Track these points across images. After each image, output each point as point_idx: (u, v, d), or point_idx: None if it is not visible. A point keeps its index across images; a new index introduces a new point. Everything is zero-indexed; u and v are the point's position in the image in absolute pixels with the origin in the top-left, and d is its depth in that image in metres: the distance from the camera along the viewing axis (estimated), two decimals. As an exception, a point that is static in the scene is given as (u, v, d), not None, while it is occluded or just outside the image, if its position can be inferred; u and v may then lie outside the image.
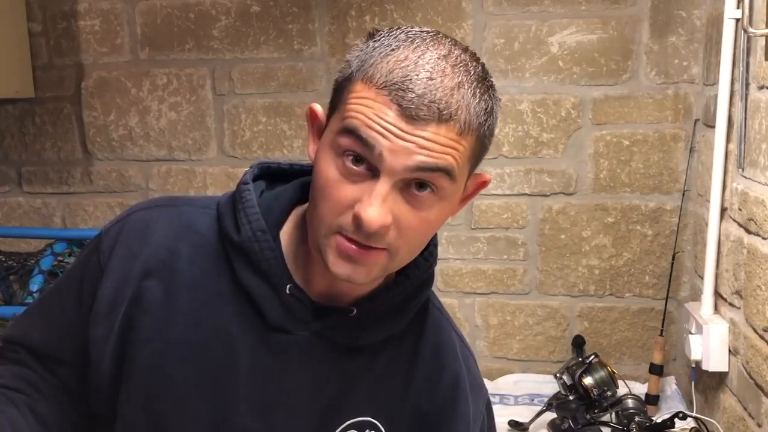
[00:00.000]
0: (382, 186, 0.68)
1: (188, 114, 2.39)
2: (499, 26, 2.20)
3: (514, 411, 2.06)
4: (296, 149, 2.34)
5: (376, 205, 0.68)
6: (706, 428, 1.81)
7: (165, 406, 0.77)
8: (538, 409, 2.00)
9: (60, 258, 2.29)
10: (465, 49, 0.73)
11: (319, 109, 0.77)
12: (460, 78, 0.69)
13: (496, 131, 2.62)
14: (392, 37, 0.71)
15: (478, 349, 2.33)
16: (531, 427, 1.97)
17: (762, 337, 1.46)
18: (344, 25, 2.26)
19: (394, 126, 0.67)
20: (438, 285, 2.30)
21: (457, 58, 0.70)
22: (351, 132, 0.68)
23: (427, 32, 0.72)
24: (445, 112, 0.68)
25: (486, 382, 2.58)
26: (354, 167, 0.69)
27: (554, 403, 1.97)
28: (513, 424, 1.97)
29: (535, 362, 2.32)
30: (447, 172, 0.69)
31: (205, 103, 2.38)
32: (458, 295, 2.33)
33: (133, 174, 2.46)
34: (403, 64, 0.68)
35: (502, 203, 2.26)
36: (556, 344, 2.30)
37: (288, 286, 0.77)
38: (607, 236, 2.23)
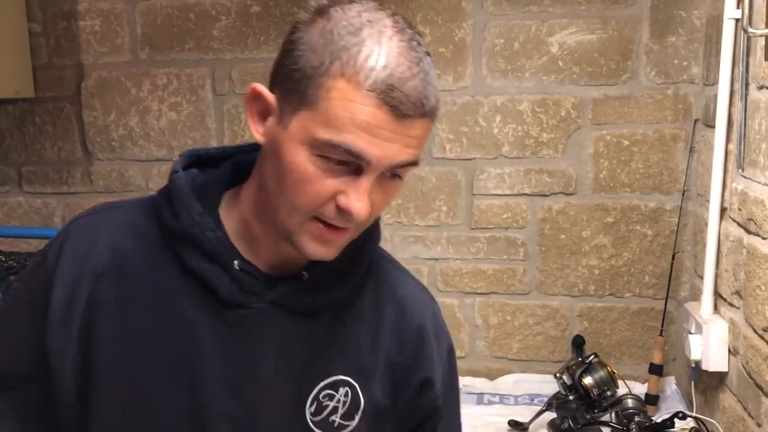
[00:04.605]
0: (368, 182, 0.71)
1: (188, 114, 2.39)
2: (499, 26, 2.20)
3: (514, 411, 2.06)
4: (296, 149, 2.33)
5: (364, 200, 0.71)
6: (706, 428, 1.81)
7: (139, 404, 0.78)
8: (538, 409, 2.00)
9: (60, 258, 2.29)
10: (404, 19, 0.73)
11: (266, 90, 0.76)
12: (423, 63, 0.71)
13: (496, 131, 2.58)
14: (351, 18, 0.70)
15: (477, 349, 2.33)
16: (531, 427, 1.97)
17: (762, 337, 1.46)
18: (344, 25, 2.26)
19: (384, 129, 0.69)
20: (438, 285, 2.30)
21: (412, 39, 0.72)
22: (340, 143, 0.69)
23: (376, 8, 0.73)
24: (427, 107, 0.71)
25: (486, 382, 2.57)
26: (337, 166, 0.71)
27: (554, 403, 1.96)
28: (513, 424, 1.97)
29: (534, 362, 2.32)
30: (416, 163, 0.74)
31: (205, 103, 2.38)
32: (458, 295, 2.33)
33: (133, 174, 2.46)
34: (383, 61, 0.68)
35: (502, 203, 2.26)
36: (556, 344, 2.30)
37: (236, 262, 0.79)
38: (607, 236, 2.23)
